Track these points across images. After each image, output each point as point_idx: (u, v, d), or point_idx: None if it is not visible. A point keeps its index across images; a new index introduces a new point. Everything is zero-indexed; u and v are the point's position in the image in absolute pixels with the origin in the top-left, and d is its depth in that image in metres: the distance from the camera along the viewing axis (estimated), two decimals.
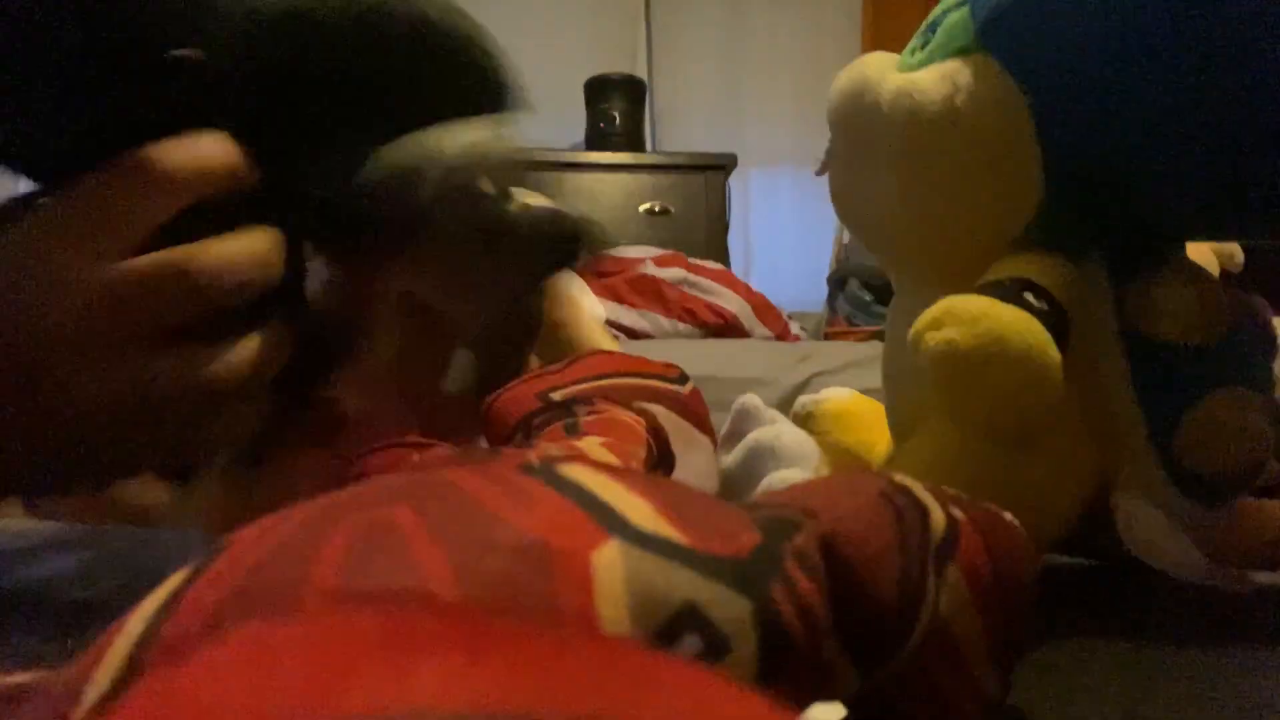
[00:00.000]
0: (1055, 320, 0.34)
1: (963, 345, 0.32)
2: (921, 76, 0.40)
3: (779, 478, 0.36)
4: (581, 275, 1.77)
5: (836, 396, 0.56)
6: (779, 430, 0.37)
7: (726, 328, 1.73)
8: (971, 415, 0.33)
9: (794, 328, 1.91)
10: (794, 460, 0.36)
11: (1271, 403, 0.36)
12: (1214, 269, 1.09)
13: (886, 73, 0.42)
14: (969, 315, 0.32)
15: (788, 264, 2.96)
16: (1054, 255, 0.39)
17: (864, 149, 0.43)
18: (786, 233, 3.04)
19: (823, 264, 2.80)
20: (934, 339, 0.32)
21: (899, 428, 0.47)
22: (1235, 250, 1.19)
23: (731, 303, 1.77)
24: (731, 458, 0.38)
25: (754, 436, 0.38)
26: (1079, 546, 0.42)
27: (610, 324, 1.68)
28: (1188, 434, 0.36)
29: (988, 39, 0.39)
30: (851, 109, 0.43)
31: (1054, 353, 0.32)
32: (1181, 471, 0.36)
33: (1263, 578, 0.36)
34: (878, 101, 0.41)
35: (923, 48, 0.42)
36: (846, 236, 2.77)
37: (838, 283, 2.31)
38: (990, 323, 0.32)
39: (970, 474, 0.37)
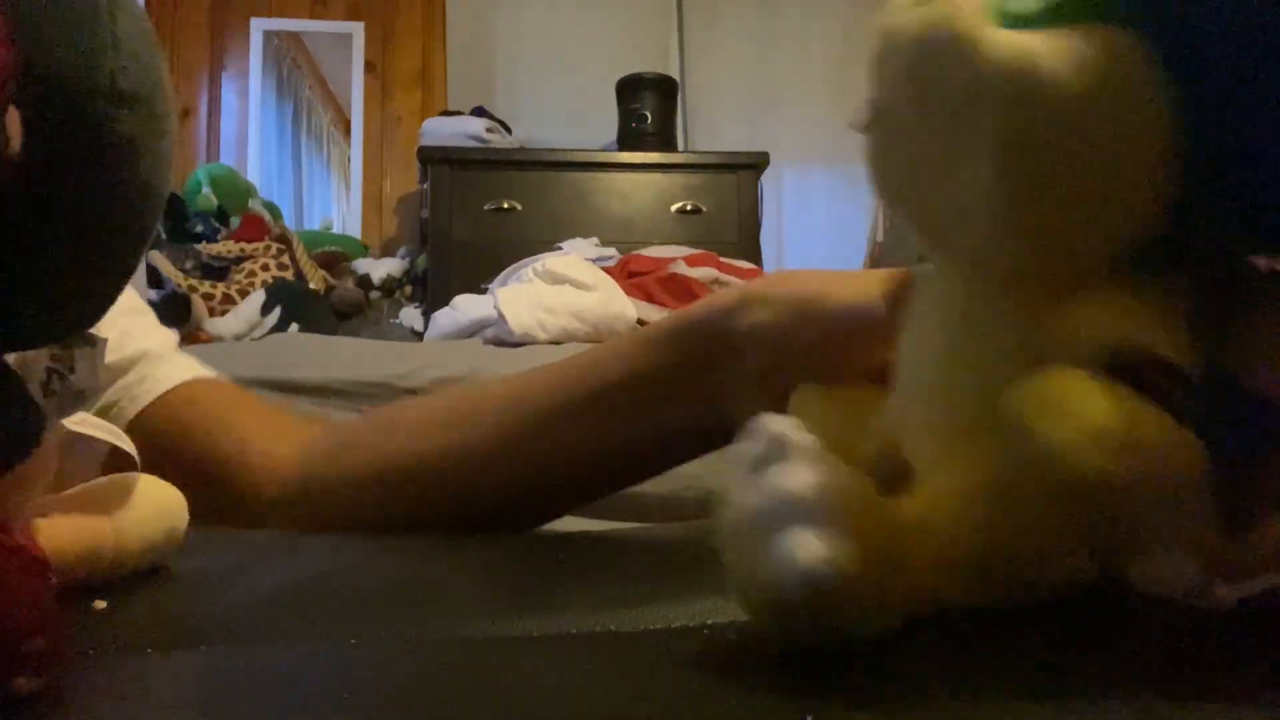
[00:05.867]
0: (1183, 401, 0.30)
1: (1113, 477, 0.27)
2: (1044, 48, 0.32)
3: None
4: (614, 275, 1.76)
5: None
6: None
7: None
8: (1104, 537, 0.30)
9: None
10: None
11: None
12: None
13: (983, 29, 0.33)
14: (1112, 432, 0.28)
15: (821, 263, 2.93)
16: (1151, 289, 0.33)
17: (947, 122, 0.35)
18: (819, 231, 3.01)
19: (856, 263, 2.77)
20: (1081, 465, 0.28)
21: (914, 439, 0.43)
22: None
23: None
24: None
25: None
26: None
27: (641, 324, 1.67)
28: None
29: (1133, 7, 0.31)
30: (933, 68, 0.34)
31: (1200, 459, 0.28)
32: None
33: (1263, 583, 0.34)
34: (978, 68, 0.33)
35: None
36: (881, 234, 2.74)
37: None
38: (1138, 438, 0.28)
39: (987, 512, 0.35)
